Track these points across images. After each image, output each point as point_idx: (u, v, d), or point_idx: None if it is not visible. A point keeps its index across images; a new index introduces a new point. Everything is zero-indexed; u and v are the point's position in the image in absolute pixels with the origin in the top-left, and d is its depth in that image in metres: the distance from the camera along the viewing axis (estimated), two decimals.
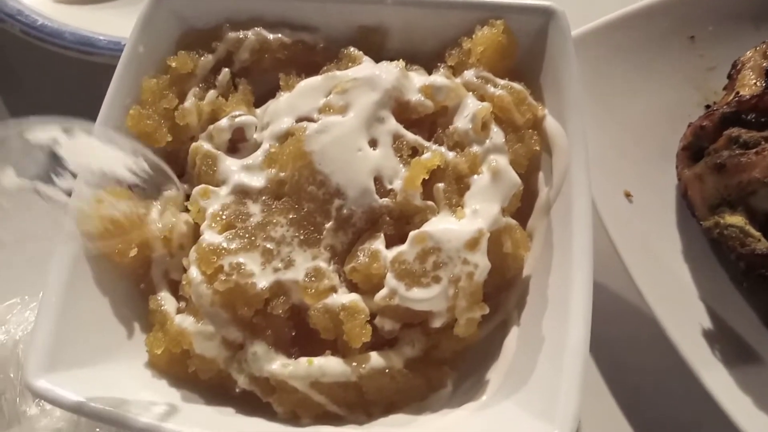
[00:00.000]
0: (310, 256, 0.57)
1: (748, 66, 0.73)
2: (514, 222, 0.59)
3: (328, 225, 0.57)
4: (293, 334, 0.57)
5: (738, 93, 0.71)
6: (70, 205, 0.50)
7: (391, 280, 0.54)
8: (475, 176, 0.58)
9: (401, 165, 0.59)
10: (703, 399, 0.61)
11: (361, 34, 0.68)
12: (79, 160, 0.49)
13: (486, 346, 0.60)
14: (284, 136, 0.61)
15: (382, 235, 0.57)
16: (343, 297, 0.55)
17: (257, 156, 0.61)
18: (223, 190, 0.60)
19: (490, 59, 0.64)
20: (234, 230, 0.58)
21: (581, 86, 0.61)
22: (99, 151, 0.50)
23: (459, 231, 0.55)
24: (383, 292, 0.55)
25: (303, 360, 0.55)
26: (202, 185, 0.61)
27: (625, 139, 0.76)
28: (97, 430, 0.66)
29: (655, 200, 0.74)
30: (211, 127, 0.64)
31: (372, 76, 0.60)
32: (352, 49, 0.66)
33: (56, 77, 0.94)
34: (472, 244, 0.54)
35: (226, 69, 0.67)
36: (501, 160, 0.58)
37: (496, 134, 0.60)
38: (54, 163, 0.48)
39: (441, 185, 0.58)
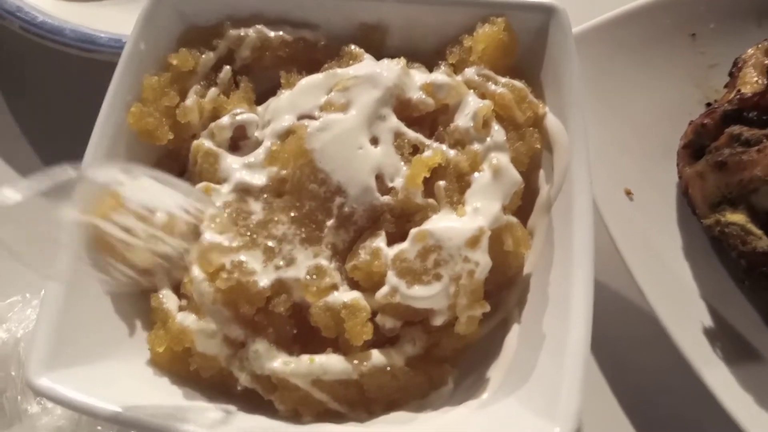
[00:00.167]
0: (311, 254, 0.57)
1: (749, 63, 0.73)
2: (515, 220, 0.59)
3: (329, 223, 0.57)
4: (295, 332, 0.57)
5: (739, 91, 0.71)
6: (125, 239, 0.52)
7: (392, 278, 0.54)
8: (476, 174, 0.58)
9: (402, 163, 0.59)
10: (704, 397, 0.61)
11: (362, 32, 0.68)
12: (135, 198, 0.51)
13: (487, 344, 0.60)
14: (285, 134, 0.61)
15: (384, 232, 0.57)
16: (345, 295, 0.55)
17: (258, 154, 0.61)
18: (225, 188, 0.60)
19: (491, 57, 0.63)
20: (235, 228, 0.58)
21: (582, 84, 0.60)
22: (154, 190, 0.52)
23: (460, 229, 0.55)
24: (384, 289, 0.55)
25: (304, 358, 0.55)
26: (204, 183, 0.61)
27: (625, 137, 0.76)
28: (98, 428, 0.66)
29: (656, 198, 0.74)
30: (212, 124, 0.64)
31: (373, 73, 0.60)
32: (353, 46, 0.66)
33: (57, 75, 0.93)
34: (473, 242, 0.54)
35: (228, 66, 0.67)
36: (502, 158, 0.58)
37: (497, 132, 0.60)
38: (112, 201, 0.50)
39: (442, 183, 0.58)
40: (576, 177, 0.57)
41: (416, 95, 0.61)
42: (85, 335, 0.57)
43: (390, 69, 0.61)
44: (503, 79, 0.63)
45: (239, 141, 0.64)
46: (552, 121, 0.62)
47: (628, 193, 0.73)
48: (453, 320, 0.55)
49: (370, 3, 0.66)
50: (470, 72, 0.63)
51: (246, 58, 0.67)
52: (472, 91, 0.62)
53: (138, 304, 0.62)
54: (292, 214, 0.58)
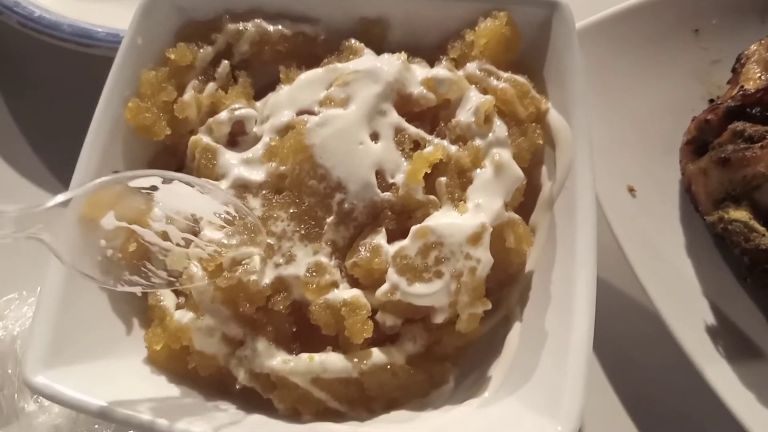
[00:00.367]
0: (311, 250, 0.56)
1: (752, 59, 0.73)
2: (517, 217, 0.58)
3: (329, 219, 0.57)
4: (294, 330, 0.57)
5: (742, 87, 0.70)
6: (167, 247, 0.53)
7: (392, 275, 0.54)
8: (478, 170, 0.58)
9: (403, 159, 0.58)
10: (707, 395, 0.61)
11: (363, 26, 0.67)
12: (171, 205, 0.52)
13: (488, 342, 0.60)
14: (285, 130, 0.61)
15: (384, 229, 0.57)
16: (345, 292, 0.55)
17: (257, 149, 0.61)
18: (223, 184, 0.60)
19: (493, 52, 0.63)
20: (234, 225, 0.57)
21: (585, 79, 0.60)
22: (191, 197, 0.53)
23: (461, 225, 0.54)
24: (385, 287, 0.54)
25: (304, 356, 0.55)
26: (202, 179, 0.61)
27: (628, 133, 0.75)
28: (96, 426, 0.65)
29: (659, 195, 0.74)
30: (210, 120, 0.64)
31: (373, 68, 0.60)
32: (353, 41, 0.65)
33: (54, 69, 0.93)
34: (475, 238, 0.54)
35: (226, 61, 0.66)
36: (504, 154, 0.58)
37: (499, 128, 0.59)
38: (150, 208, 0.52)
39: (443, 179, 0.58)
40: (579, 173, 0.57)
41: (417, 90, 0.61)
42: (82, 333, 0.56)
43: (391, 64, 0.60)
44: (505, 74, 0.62)
45: (238, 136, 0.64)
46: (555, 117, 0.61)
47: (631, 189, 0.73)
48: (454, 318, 0.55)
49: None
50: (472, 67, 0.63)
51: (245, 53, 0.67)
52: (473, 86, 0.61)
53: (135, 301, 0.61)
54: (292, 211, 0.57)
